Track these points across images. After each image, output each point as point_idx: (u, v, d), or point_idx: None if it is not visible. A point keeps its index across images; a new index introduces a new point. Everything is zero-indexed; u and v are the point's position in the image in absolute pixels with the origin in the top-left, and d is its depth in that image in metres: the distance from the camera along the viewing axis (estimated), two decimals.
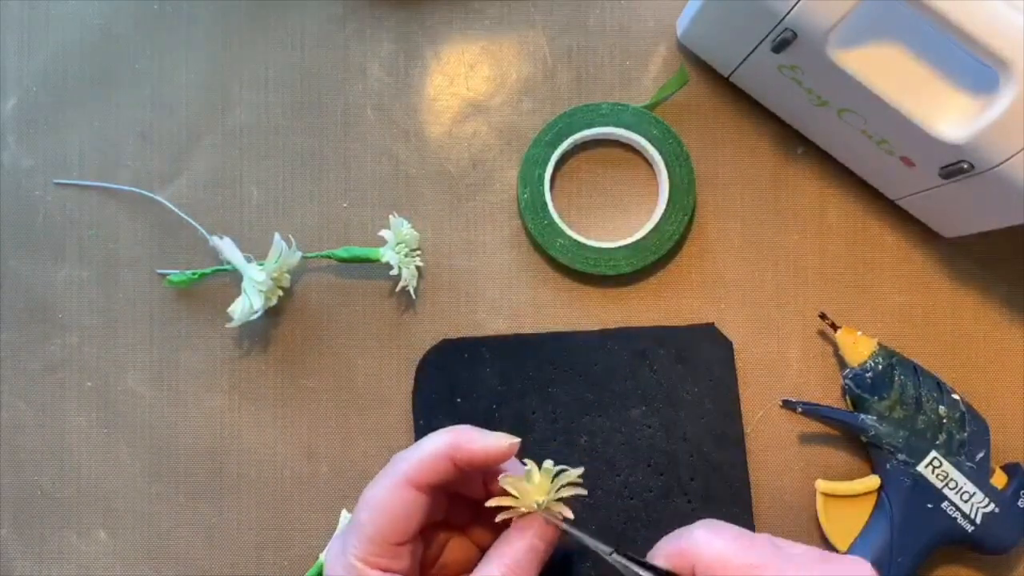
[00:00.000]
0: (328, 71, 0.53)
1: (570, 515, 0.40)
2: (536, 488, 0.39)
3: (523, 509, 0.39)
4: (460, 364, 0.51)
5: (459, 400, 0.50)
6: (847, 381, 0.49)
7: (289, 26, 0.54)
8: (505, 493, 0.40)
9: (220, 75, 0.53)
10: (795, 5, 0.42)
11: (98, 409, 0.52)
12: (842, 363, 0.51)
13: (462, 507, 0.43)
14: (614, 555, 0.40)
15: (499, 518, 0.40)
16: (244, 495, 0.51)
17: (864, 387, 0.49)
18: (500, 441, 0.39)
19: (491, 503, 0.40)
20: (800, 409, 0.49)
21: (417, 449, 0.40)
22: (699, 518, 0.49)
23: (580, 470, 0.40)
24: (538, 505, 0.39)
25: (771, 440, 0.51)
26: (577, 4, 0.54)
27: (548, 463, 0.40)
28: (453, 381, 0.51)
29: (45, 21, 0.54)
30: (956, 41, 0.40)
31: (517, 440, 0.39)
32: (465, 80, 0.53)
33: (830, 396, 0.51)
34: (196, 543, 0.51)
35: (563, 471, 0.40)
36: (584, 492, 0.40)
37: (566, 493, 0.40)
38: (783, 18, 0.43)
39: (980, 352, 0.52)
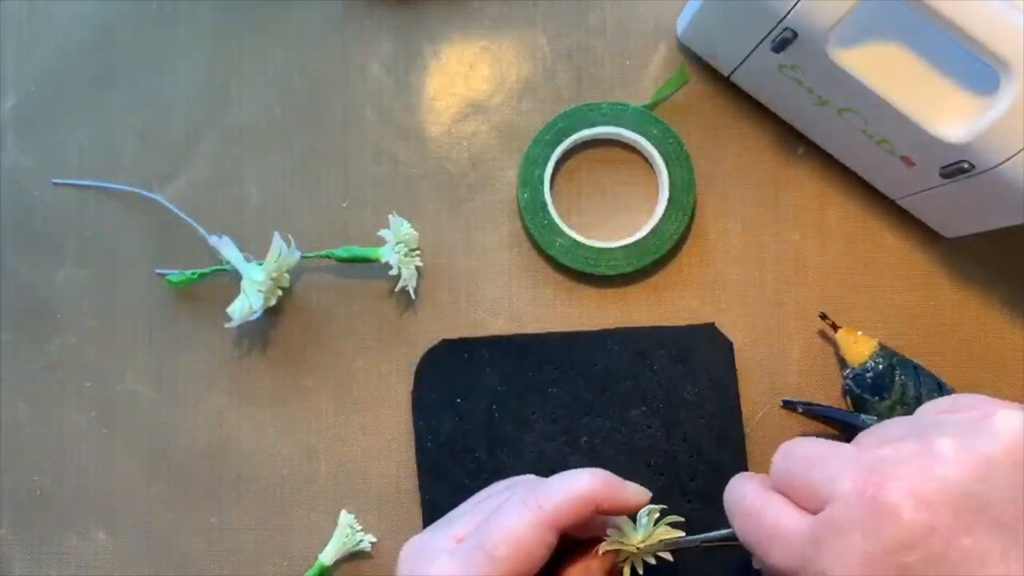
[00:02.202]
0: (328, 71, 0.53)
1: (669, 556, 0.42)
2: (641, 530, 0.41)
3: (626, 550, 0.41)
4: (460, 364, 0.51)
5: (459, 400, 0.50)
6: (847, 381, 0.49)
7: (289, 26, 0.54)
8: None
9: (220, 75, 0.53)
10: (795, 5, 0.42)
11: (97, 409, 0.52)
12: (843, 363, 0.51)
13: None
14: (703, 544, 0.42)
15: (602, 551, 0.41)
16: (244, 495, 0.51)
17: (865, 387, 0.49)
18: (643, 496, 0.40)
19: (603, 548, 0.41)
20: (800, 409, 0.49)
21: (561, 491, 0.38)
22: (699, 518, 0.49)
23: (679, 519, 0.41)
24: (639, 549, 0.41)
25: (771, 440, 0.51)
26: (577, 4, 0.53)
27: (652, 508, 0.41)
28: (453, 381, 0.51)
29: (45, 21, 0.54)
30: (956, 41, 0.40)
31: (651, 494, 0.41)
32: (465, 80, 0.53)
33: (830, 396, 0.51)
34: (196, 543, 0.51)
35: (661, 515, 0.42)
36: (682, 534, 0.41)
37: (664, 535, 0.41)
38: (783, 18, 0.43)
39: (981, 352, 0.52)
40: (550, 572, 0.40)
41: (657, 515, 0.41)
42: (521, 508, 0.38)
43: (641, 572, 0.42)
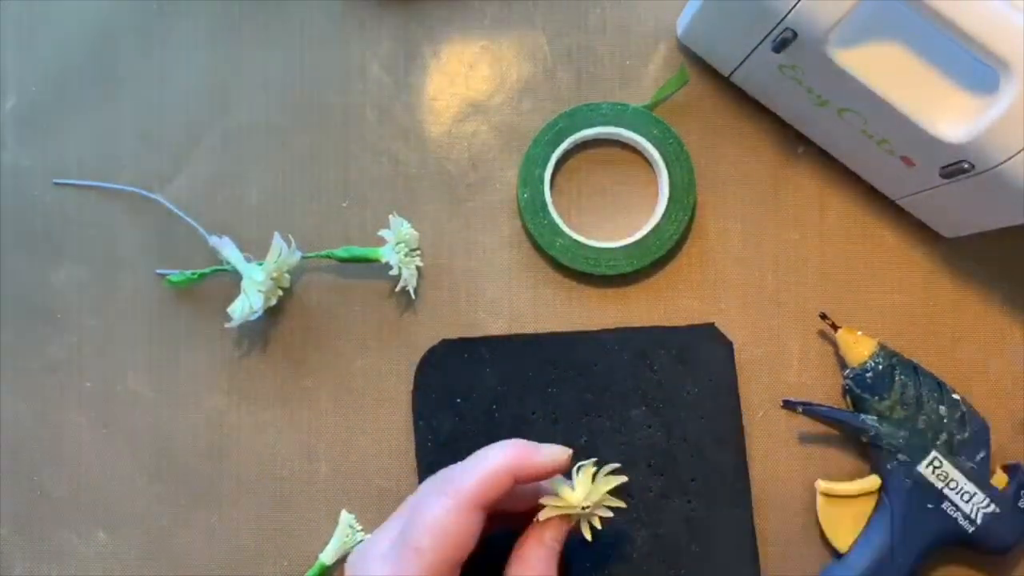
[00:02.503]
0: (328, 71, 0.53)
1: (620, 503, 0.42)
2: (579, 489, 0.41)
3: (572, 512, 0.41)
4: (460, 364, 0.51)
5: (459, 400, 0.50)
6: (847, 381, 0.49)
7: (289, 26, 0.54)
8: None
9: (220, 75, 0.53)
10: (795, 5, 0.42)
11: (98, 409, 0.52)
12: (842, 363, 0.51)
13: None
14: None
15: (542, 518, 0.41)
16: (244, 495, 0.51)
17: (864, 387, 0.49)
18: (560, 454, 0.40)
19: (543, 515, 0.41)
20: (800, 409, 0.49)
21: (477, 468, 0.39)
22: (699, 518, 0.49)
23: (616, 465, 0.41)
24: (584, 508, 0.41)
25: (771, 440, 0.51)
26: (577, 4, 0.53)
27: (585, 464, 0.41)
28: (453, 381, 0.51)
29: (45, 21, 0.54)
30: (956, 41, 0.40)
31: (571, 451, 0.41)
32: (465, 80, 0.53)
33: (830, 396, 0.51)
34: (196, 543, 0.51)
35: (598, 468, 0.41)
36: (624, 479, 0.41)
37: (606, 487, 0.41)
38: (783, 18, 0.43)
39: (981, 352, 0.52)
40: (508, 550, 0.41)
41: (594, 470, 0.41)
42: (440, 497, 0.38)
43: (600, 527, 0.41)
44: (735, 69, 0.50)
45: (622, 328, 0.51)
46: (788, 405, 0.49)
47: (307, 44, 0.53)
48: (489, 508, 0.39)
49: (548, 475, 0.40)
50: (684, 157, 0.51)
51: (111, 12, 0.54)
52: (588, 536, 0.42)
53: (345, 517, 0.50)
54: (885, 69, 0.43)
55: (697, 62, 0.53)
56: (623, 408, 0.50)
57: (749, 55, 0.48)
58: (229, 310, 0.49)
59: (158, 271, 0.52)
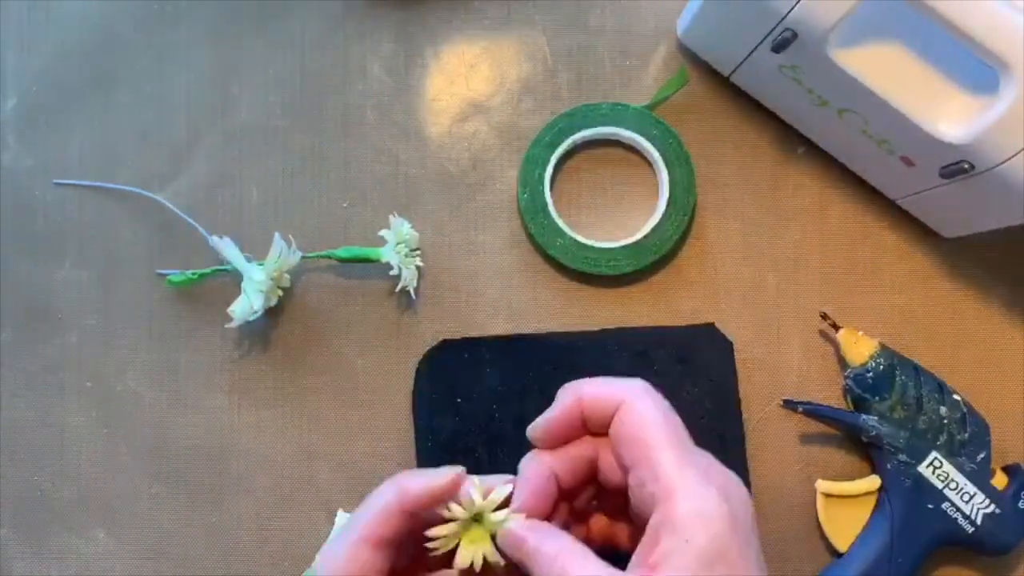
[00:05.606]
0: (328, 71, 0.53)
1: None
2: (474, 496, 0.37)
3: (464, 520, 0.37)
4: (460, 364, 0.51)
5: (459, 400, 0.50)
6: (848, 381, 0.49)
7: (289, 26, 0.54)
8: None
9: (220, 75, 0.53)
10: (795, 5, 0.42)
11: (98, 409, 0.52)
12: (843, 363, 0.51)
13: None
14: None
15: (431, 547, 0.37)
16: (244, 495, 0.51)
17: (865, 387, 0.49)
18: (442, 477, 0.37)
19: (430, 532, 0.37)
20: (801, 409, 0.49)
21: (367, 507, 0.38)
22: None
23: (509, 486, 0.37)
24: (479, 518, 0.37)
25: (771, 440, 0.51)
26: (577, 4, 0.54)
27: (477, 480, 0.37)
28: (453, 381, 0.51)
29: (45, 21, 0.54)
30: (956, 41, 0.40)
31: (460, 470, 0.38)
32: (465, 80, 0.53)
33: (831, 396, 0.51)
34: (196, 543, 0.51)
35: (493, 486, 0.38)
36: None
37: (500, 496, 0.37)
38: (783, 18, 0.43)
39: (981, 352, 0.52)
40: None
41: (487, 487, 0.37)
42: (344, 534, 0.37)
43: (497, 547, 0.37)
44: (735, 69, 0.50)
45: (622, 328, 0.51)
46: (788, 405, 0.49)
47: (307, 44, 0.53)
48: (388, 544, 0.37)
49: (438, 500, 0.37)
50: (684, 157, 0.51)
51: (111, 12, 0.54)
52: (498, 557, 0.37)
53: (342, 517, 0.50)
54: (885, 69, 0.43)
55: (697, 62, 0.53)
56: None
57: (749, 55, 0.48)
58: (229, 310, 0.49)
59: (158, 271, 0.52)
